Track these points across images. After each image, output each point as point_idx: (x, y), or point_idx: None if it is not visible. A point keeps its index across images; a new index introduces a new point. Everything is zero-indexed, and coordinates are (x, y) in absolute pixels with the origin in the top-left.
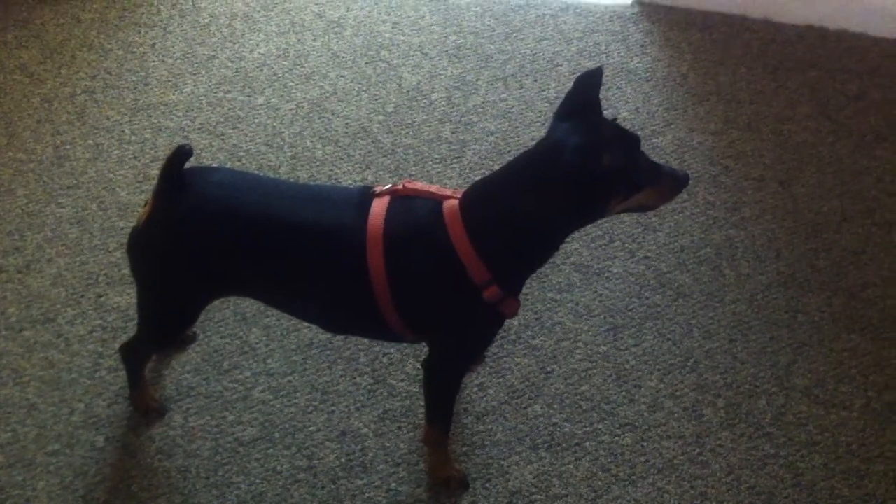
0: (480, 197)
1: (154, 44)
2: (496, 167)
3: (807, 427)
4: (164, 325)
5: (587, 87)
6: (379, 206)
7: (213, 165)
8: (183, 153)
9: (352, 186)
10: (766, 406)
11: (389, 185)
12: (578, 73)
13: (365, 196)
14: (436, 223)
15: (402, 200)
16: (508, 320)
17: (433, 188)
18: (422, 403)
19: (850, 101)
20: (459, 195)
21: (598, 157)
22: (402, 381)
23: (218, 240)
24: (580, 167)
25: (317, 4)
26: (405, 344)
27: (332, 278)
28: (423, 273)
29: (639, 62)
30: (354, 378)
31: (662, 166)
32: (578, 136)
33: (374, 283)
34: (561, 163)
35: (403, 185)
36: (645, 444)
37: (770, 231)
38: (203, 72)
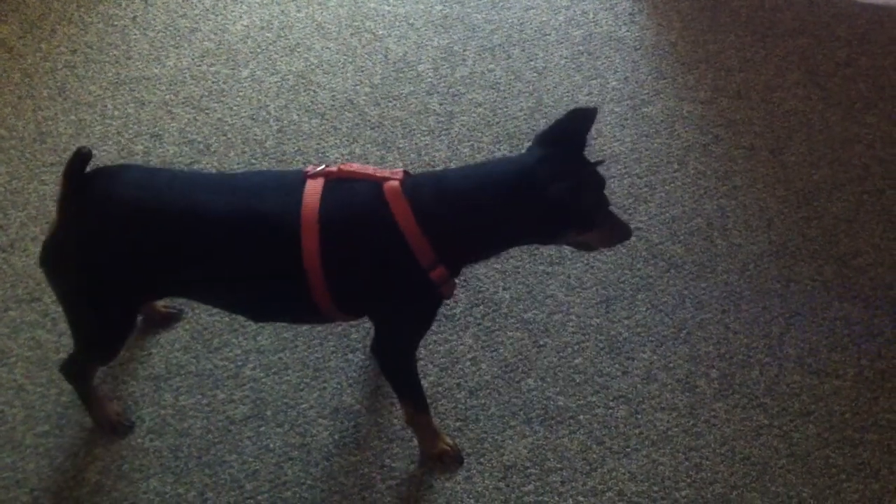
0: (439, 187)
1: (135, 17)
2: (485, 138)
3: (800, 396)
4: (99, 338)
5: (579, 121)
6: (312, 189)
7: (124, 164)
8: (82, 156)
9: (283, 170)
10: (760, 376)
11: (322, 167)
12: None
13: (297, 180)
14: (376, 204)
15: (338, 183)
16: (497, 295)
17: (370, 169)
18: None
19: (839, 67)
20: (399, 176)
21: (579, 197)
22: None
23: (135, 241)
24: (560, 201)
25: None
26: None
27: (262, 267)
28: (365, 255)
29: (627, 31)
30: (346, 354)
31: (614, 214)
32: (556, 168)
33: (308, 269)
34: (543, 191)
35: (338, 168)
36: (639, 416)
37: (761, 200)
38: (185, 45)
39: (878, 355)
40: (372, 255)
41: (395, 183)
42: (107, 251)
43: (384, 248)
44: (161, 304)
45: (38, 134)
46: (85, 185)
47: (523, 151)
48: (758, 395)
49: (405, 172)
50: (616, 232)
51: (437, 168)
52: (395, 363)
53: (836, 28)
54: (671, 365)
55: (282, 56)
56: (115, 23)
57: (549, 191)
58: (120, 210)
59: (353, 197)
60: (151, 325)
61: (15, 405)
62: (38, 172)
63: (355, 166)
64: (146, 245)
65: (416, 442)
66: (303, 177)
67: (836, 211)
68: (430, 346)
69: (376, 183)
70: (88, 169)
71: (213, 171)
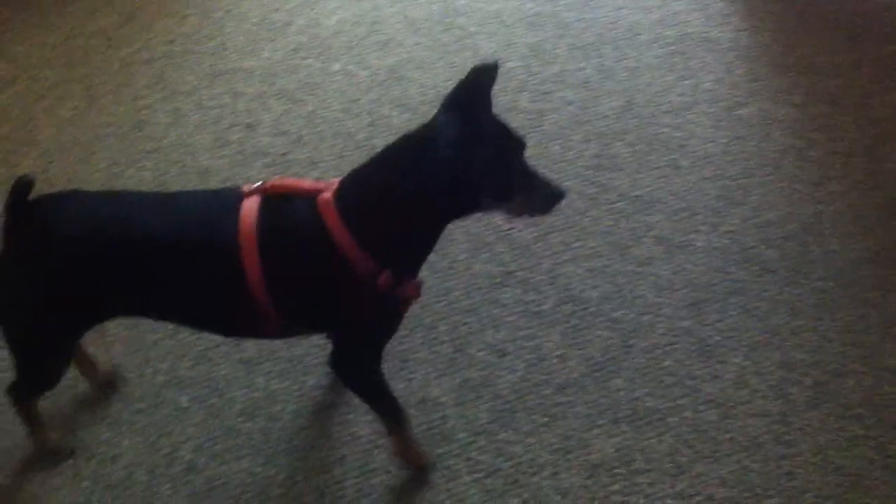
0: (354, 187)
1: (230, 10)
2: (574, 137)
3: (895, 408)
4: (39, 365)
5: (481, 79)
6: (249, 208)
7: (66, 190)
8: (24, 185)
9: (220, 189)
10: (855, 386)
11: (258, 184)
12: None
13: (234, 198)
14: (312, 219)
15: (274, 199)
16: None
17: (305, 183)
18: (501, 374)
19: None
20: (334, 186)
21: (471, 153)
22: (482, 350)
23: (77, 271)
24: (451, 161)
25: None
26: (485, 316)
27: (207, 288)
28: (305, 271)
29: (720, 32)
30: (434, 347)
31: (538, 177)
32: (456, 130)
33: (252, 288)
34: (435, 153)
35: (272, 184)
36: (729, 421)
37: (858, 206)
38: (280, 38)
39: None
40: (312, 271)
41: (328, 195)
42: (48, 280)
43: (323, 263)
44: (103, 367)
45: (137, 122)
46: (27, 213)
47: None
48: (853, 405)
49: (340, 181)
50: (539, 199)
51: None
52: (356, 376)
53: None
54: (763, 371)
55: (373, 51)
56: (212, 15)
57: (448, 156)
58: (62, 237)
59: (288, 213)
60: (98, 387)
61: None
62: (137, 159)
63: (289, 181)
64: (88, 273)
65: (502, 437)
66: (240, 194)
67: None
68: (518, 342)
69: (311, 196)
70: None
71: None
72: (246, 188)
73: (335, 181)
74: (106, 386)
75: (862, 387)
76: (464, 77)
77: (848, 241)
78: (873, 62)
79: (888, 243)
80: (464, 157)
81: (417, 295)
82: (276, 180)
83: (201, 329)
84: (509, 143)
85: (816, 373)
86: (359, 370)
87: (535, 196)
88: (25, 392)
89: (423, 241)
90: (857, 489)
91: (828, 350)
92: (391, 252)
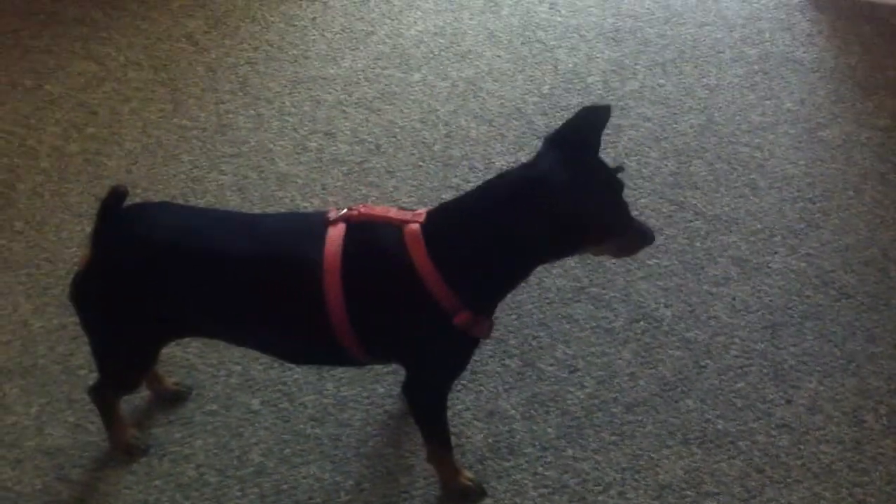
0: (448, 221)
1: (314, 17)
2: (652, 154)
3: None
4: (121, 371)
5: (591, 121)
6: (335, 235)
7: (158, 201)
8: (118, 194)
9: (308, 212)
10: None
11: (345, 211)
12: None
13: (320, 224)
14: (397, 249)
15: (360, 227)
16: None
17: (392, 212)
18: (570, 390)
19: None
20: (421, 218)
21: (581, 199)
22: (552, 365)
23: (165, 282)
24: (563, 206)
25: None
26: (556, 331)
27: (287, 312)
28: (387, 302)
29: (804, 52)
30: (503, 360)
31: (634, 219)
32: (569, 175)
33: (332, 315)
34: (546, 198)
35: (359, 211)
36: (802, 446)
37: None
38: (361, 47)
39: None
40: (394, 303)
41: (415, 226)
42: (136, 288)
43: (405, 295)
44: (172, 381)
45: (220, 126)
46: (118, 222)
47: (532, 156)
48: None
49: (427, 213)
50: (637, 239)
51: None
52: (424, 406)
53: None
54: (838, 397)
55: (453, 62)
56: (296, 23)
57: (560, 200)
58: (147, 250)
59: (374, 242)
60: (160, 402)
61: (186, 383)
62: (218, 163)
63: (377, 209)
64: (172, 286)
65: (569, 453)
66: (325, 220)
67: None
68: (588, 358)
69: (397, 227)
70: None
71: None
72: (332, 214)
73: (422, 212)
74: (171, 400)
75: None
76: (572, 116)
77: None
78: None
79: None
80: (574, 203)
81: (488, 335)
82: (364, 207)
83: (278, 356)
84: (614, 186)
85: (893, 401)
86: (432, 402)
87: (634, 239)
88: (108, 394)
89: (511, 283)
90: None
91: None
92: (477, 291)
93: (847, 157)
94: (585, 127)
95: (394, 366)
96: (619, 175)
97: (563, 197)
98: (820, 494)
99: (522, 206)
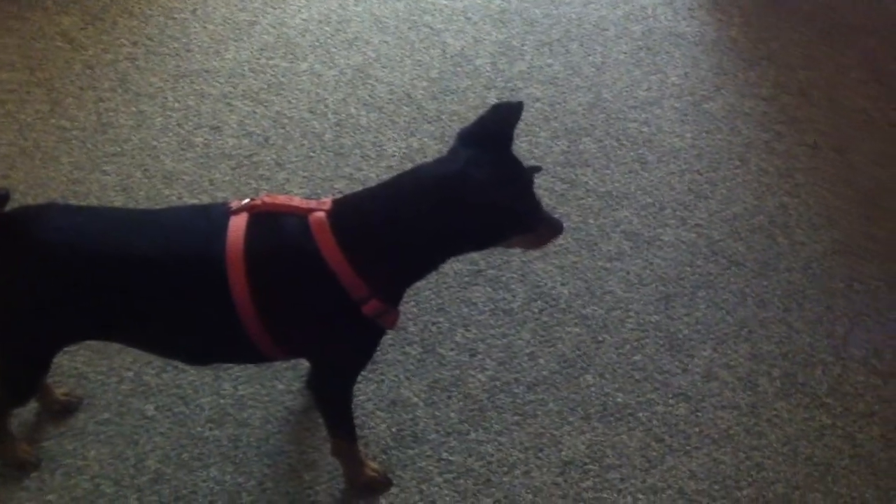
0: (359, 211)
1: (195, 9)
2: (542, 133)
3: (864, 397)
4: (15, 382)
5: (504, 117)
6: (236, 226)
7: (43, 203)
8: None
9: (207, 205)
10: (823, 376)
11: (247, 201)
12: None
13: (221, 216)
14: (303, 238)
15: (263, 217)
16: (555, 290)
17: (296, 201)
18: (471, 374)
19: None
20: (326, 207)
21: (503, 197)
22: (452, 350)
23: (58, 285)
24: (485, 205)
25: None
26: (455, 315)
27: (192, 310)
28: (293, 292)
29: (687, 26)
30: (403, 348)
31: (543, 210)
32: (486, 171)
33: (240, 309)
34: (465, 195)
35: (262, 201)
36: (699, 414)
37: (825, 198)
38: (245, 38)
39: None
40: (302, 292)
41: (321, 214)
42: (28, 295)
43: (313, 285)
44: (61, 391)
45: (100, 125)
46: (5, 226)
47: (444, 153)
48: (820, 395)
49: (333, 201)
50: (547, 233)
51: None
52: (330, 398)
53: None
54: (732, 363)
55: (340, 50)
56: (175, 15)
57: (478, 196)
58: (41, 254)
59: (278, 231)
60: (50, 414)
61: (76, 393)
62: (100, 163)
63: (280, 198)
64: (69, 289)
65: (473, 436)
66: (226, 211)
67: None
68: (488, 341)
69: (302, 215)
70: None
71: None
72: (234, 204)
73: (327, 201)
74: (61, 412)
75: (830, 377)
76: (484, 113)
77: (815, 232)
78: (844, 55)
79: (855, 234)
80: (492, 198)
81: (394, 325)
82: (267, 197)
83: (185, 359)
84: (527, 181)
85: (785, 364)
86: (338, 393)
87: (545, 228)
88: (1, 406)
89: (421, 273)
90: (826, 478)
91: (796, 341)
92: (387, 280)
93: (731, 128)
94: (498, 123)
95: (293, 361)
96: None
97: (481, 193)
98: (719, 459)
99: (441, 201)
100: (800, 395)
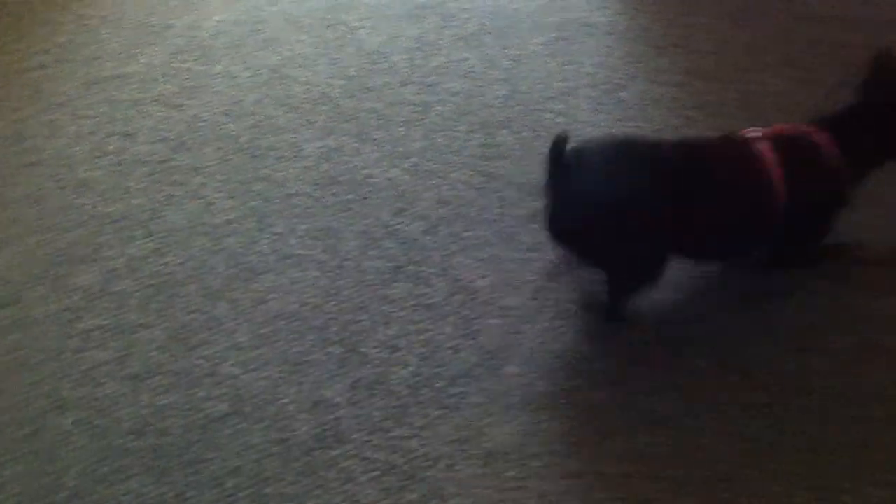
0: (847, 128)
1: (106, 16)
2: (461, 127)
3: (795, 375)
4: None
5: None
6: (765, 146)
7: (598, 139)
8: (563, 139)
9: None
10: (756, 356)
11: (756, 131)
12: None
13: (741, 141)
14: (824, 152)
15: (780, 136)
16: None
17: (803, 127)
18: (394, 370)
19: (812, 46)
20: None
21: None
22: (374, 347)
23: (643, 207)
24: None
25: None
26: (376, 313)
27: (746, 204)
28: (816, 181)
29: (600, 16)
30: (325, 348)
31: None
32: None
33: (774, 190)
34: None
35: (775, 129)
36: (620, 397)
37: None
38: (157, 42)
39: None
40: (826, 192)
41: (824, 136)
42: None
43: (833, 186)
44: None
45: (15, 135)
46: (567, 165)
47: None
48: (753, 373)
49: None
50: None
51: (413, 159)
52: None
53: (809, 7)
54: (655, 345)
55: (255, 51)
56: (86, 22)
57: None
58: (620, 179)
59: (802, 146)
60: None
61: None
62: (15, 174)
63: (785, 126)
64: (649, 209)
65: (397, 433)
66: (743, 139)
67: None
68: (410, 336)
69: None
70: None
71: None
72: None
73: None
74: None
75: (763, 357)
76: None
77: None
78: (752, 39)
79: None
80: None
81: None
82: (778, 126)
83: (721, 257)
84: None
85: (717, 346)
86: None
87: None
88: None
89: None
90: (760, 455)
91: (726, 323)
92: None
93: (644, 115)
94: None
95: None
96: None
97: None
98: (652, 441)
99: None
100: (734, 376)
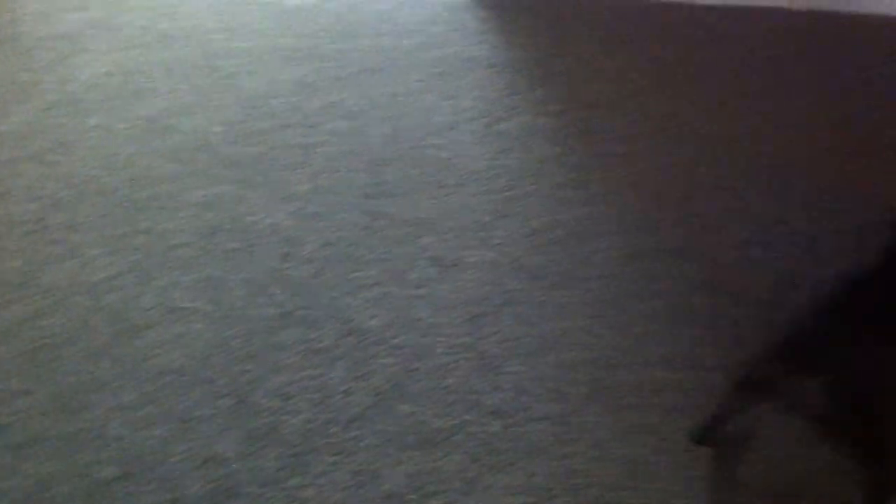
0: None
1: None
2: (345, 168)
3: (665, 392)
4: None
5: None
6: None
7: None
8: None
9: None
10: (626, 377)
11: None
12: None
13: None
14: None
15: None
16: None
17: None
18: (286, 419)
19: (686, 65)
20: None
21: None
22: (265, 397)
23: None
24: None
25: (144, 18)
26: (266, 361)
27: None
28: None
29: (478, 50)
30: (214, 401)
31: None
32: None
33: None
34: None
35: None
36: (513, 429)
37: (617, 205)
38: (29, 99)
39: (735, 343)
40: None
41: None
42: None
43: None
44: None
45: None
46: None
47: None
48: (625, 395)
49: None
50: None
51: (297, 202)
52: None
53: (677, 29)
54: (541, 375)
55: (131, 102)
56: None
57: None
58: None
59: None
60: None
61: None
62: None
63: None
64: None
65: (292, 483)
66: None
67: (694, 209)
68: (301, 382)
69: None
70: None
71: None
72: None
73: None
74: None
75: (632, 377)
76: None
77: (610, 239)
78: (627, 66)
79: (646, 237)
80: None
81: None
82: None
83: None
84: None
85: (591, 369)
86: None
87: None
88: None
89: None
90: (636, 475)
91: (599, 346)
92: None
93: (525, 146)
94: None
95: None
96: None
97: None
98: (534, 472)
99: None
100: (606, 399)
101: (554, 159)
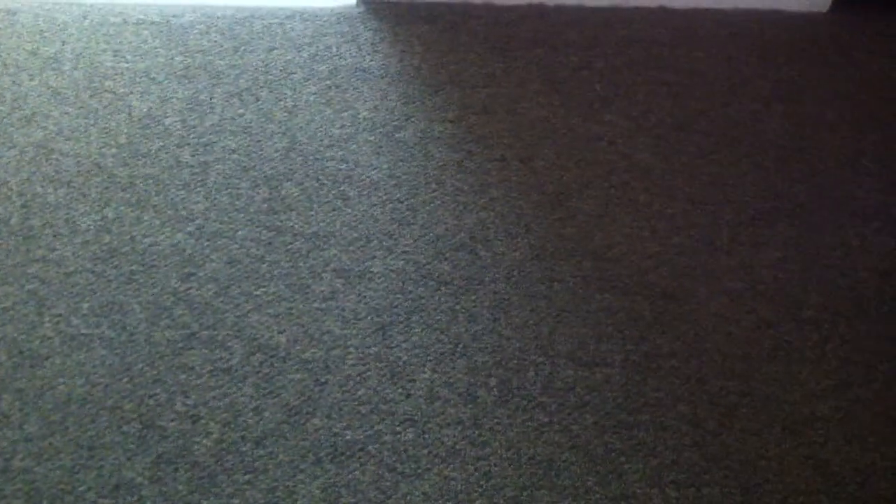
0: None
1: None
2: (243, 184)
3: (575, 390)
4: None
5: None
6: None
7: None
8: None
9: None
10: (535, 376)
11: None
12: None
13: None
14: None
15: None
16: (273, 340)
17: None
18: (196, 440)
19: (575, 72)
20: None
21: None
22: (173, 420)
23: None
24: None
25: (29, 42)
26: (172, 384)
27: None
28: None
29: (371, 60)
30: (121, 427)
31: None
32: None
33: None
34: None
35: None
36: (426, 436)
37: (518, 207)
38: None
39: (641, 339)
40: None
41: None
42: None
43: None
44: None
45: None
46: None
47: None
48: (535, 395)
49: None
50: None
51: (196, 221)
52: None
53: (569, 34)
54: (451, 380)
55: (18, 128)
56: None
57: None
58: None
59: None
60: None
61: None
62: None
63: None
64: None
65: None
66: None
67: (588, 208)
68: (210, 403)
69: None
70: None
71: None
72: None
73: None
74: None
75: (541, 376)
76: None
77: (512, 241)
78: (520, 69)
79: (548, 237)
80: None
81: None
82: None
83: None
84: None
85: (500, 371)
86: None
87: None
88: None
89: None
90: (549, 474)
91: (507, 348)
92: None
93: (425, 153)
94: None
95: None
96: None
97: None
98: (449, 476)
99: None
100: (517, 399)
101: (454, 165)
